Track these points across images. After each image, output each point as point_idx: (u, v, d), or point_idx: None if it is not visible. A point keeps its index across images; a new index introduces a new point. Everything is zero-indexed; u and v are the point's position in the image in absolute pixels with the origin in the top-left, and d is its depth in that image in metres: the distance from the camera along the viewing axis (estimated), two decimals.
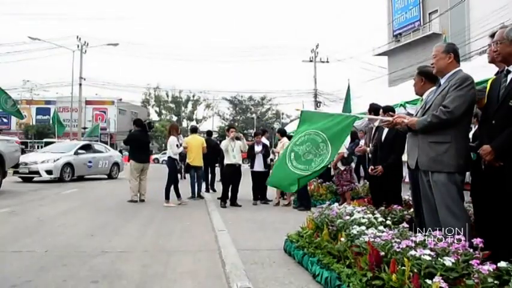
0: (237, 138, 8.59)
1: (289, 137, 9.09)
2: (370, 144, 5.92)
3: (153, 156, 40.01)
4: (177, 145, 8.73)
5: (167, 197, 8.52)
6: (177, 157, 8.88)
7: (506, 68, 3.04)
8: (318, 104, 34.62)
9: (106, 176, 16.27)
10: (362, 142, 7.21)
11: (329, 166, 9.19)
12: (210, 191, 11.43)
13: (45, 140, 43.64)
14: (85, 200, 9.42)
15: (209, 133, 12.97)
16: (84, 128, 39.15)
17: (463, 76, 3.21)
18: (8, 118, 49.31)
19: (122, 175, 16.50)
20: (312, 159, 4.22)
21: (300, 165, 4.27)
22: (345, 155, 7.97)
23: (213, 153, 10.67)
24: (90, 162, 15.32)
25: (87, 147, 15.86)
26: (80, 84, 35.06)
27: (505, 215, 2.84)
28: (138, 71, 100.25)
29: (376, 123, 5.65)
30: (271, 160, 9.37)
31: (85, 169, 15.18)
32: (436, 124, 3.17)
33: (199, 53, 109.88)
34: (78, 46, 34.60)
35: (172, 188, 8.68)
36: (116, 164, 17.02)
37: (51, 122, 48.11)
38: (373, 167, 5.39)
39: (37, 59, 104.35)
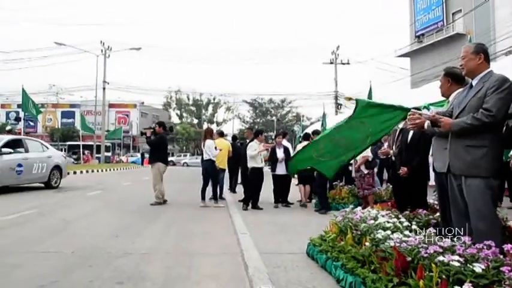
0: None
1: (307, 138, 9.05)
2: (394, 147, 5.83)
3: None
4: (215, 147, 9.00)
5: (215, 198, 8.93)
6: (215, 159, 9.06)
7: None
8: (339, 107, 34.35)
9: (43, 185, 11.92)
10: (386, 145, 7.11)
11: (350, 169, 9.16)
12: (231, 192, 11.72)
13: (68, 142, 44.70)
14: (108, 201, 9.58)
15: (234, 138, 13.32)
16: (107, 131, 39.92)
17: (501, 78, 3.10)
18: (35, 122, 50.68)
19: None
20: (341, 147, 4.38)
21: (326, 154, 4.43)
22: (369, 159, 7.88)
23: (237, 156, 10.85)
24: (19, 166, 10.74)
25: (15, 144, 11.14)
26: (104, 88, 35.85)
27: None
28: (160, 74, 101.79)
29: (401, 125, 5.56)
30: None
31: (12, 176, 10.62)
32: (477, 127, 3.04)
33: (219, 56, 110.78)
34: (101, 51, 35.43)
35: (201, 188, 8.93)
36: (57, 167, 12.30)
37: (75, 124, 49.30)
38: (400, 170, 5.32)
39: (63, 64, 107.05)
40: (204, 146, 9.06)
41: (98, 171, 24.07)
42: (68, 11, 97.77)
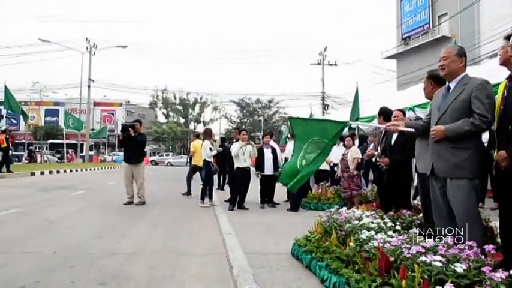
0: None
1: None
2: (379, 148, 5.87)
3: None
4: (210, 148, 9.02)
5: (202, 198, 8.88)
6: (211, 160, 9.07)
7: None
8: (326, 107, 34.56)
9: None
10: (371, 146, 7.18)
11: (335, 169, 9.23)
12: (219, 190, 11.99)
13: (49, 141, 43.84)
14: (93, 201, 9.46)
15: (223, 139, 13.79)
16: (92, 130, 39.44)
17: (484, 82, 3.16)
18: (17, 119, 49.82)
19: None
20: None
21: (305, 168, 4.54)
22: (359, 160, 7.95)
23: (224, 156, 10.94)
24: None
25: None
26: (89, 86, 35.40)
27: None
28: (147, 73, 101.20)
29: (385, 126, 5.61)
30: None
31: None
32: (474, 132, 3.10)
33: (207, 56, 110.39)
34: (87, 48, 34.98)
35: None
36: None
37: (59, 123, 48.51)
38: (378, 159, 5.42)
39: (47, 61, 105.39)
40: (201, 146, 9.22)
41: (82, 170, 23.78)
42: (52, 7, 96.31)
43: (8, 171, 16.34)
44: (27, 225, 6.15)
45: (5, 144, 16.19)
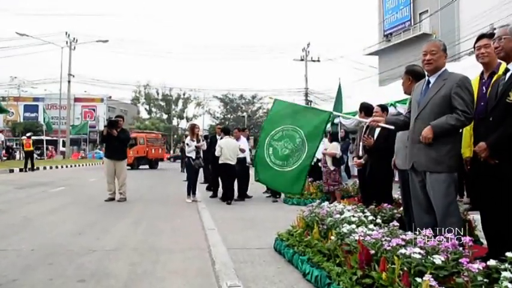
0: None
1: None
2: (360, 144, 5.89)
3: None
4: (187, 144, 9.07)
5: (188, 193, 8.85)
6: (191, 155, 8.96)
7: (506, 66, 3.04)
8: (309, 103, 34.70)
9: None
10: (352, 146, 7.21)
11: (320, 165, 9.27)
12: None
13: (23, 137, 42.36)
14: (73, 198, 9.30)
15: (206, 137, 13.70)
16: (72, 126, 38.67)
17: (464, 77, 3.20)
18: None
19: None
20: (288, 154, 4.38)
21: (278, 161, 4.44)
22: (337, 156, 7.98)
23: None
24: None
25: None
26: (69, 81, 34.75)
27: (503, 212, 2.85)
28: (129, 68, 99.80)
29: (368, 121, 5.64)
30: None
31: None
32: (459, 128, 3.17)
33: (190, 51, 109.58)
34: (67, 42, 34.28)
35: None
36: None
37: (39, 119, 47.41)
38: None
39: (25, 55, 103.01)
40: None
41: (62, 167, 23.38)
42: (30, 0, 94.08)
43: (32, 169, 18.65)
44: (4, 223, 6.01)
45: (31, 148, 19.01)
